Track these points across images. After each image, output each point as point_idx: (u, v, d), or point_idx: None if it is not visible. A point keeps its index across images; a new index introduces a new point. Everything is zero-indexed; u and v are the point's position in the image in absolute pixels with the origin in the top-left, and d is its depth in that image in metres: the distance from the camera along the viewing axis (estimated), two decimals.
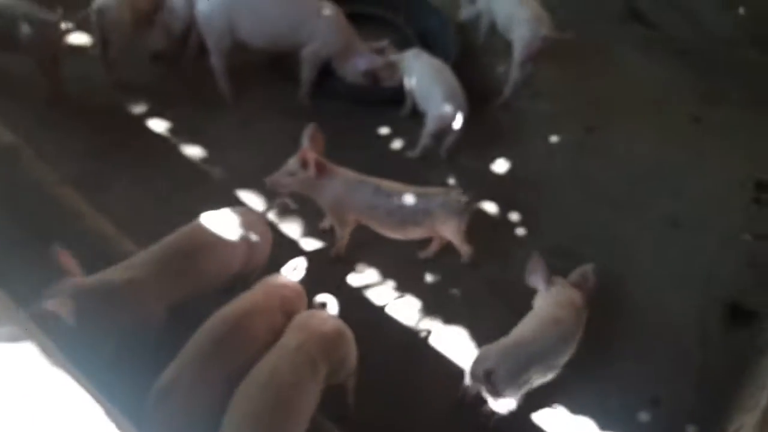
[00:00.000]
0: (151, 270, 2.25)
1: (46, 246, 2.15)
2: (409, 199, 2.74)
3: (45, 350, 1.41)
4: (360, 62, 3.49)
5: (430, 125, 3.34)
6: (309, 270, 2.46)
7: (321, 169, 2.69)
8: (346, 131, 3.44)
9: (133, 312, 2.21)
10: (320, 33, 3.39)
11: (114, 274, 2.23)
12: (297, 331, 2.12)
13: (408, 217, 2.74)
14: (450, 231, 2.82)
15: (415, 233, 2.83)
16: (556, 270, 2.78)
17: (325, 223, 3.06)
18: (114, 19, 3.31)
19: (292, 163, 2.71)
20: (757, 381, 2.49)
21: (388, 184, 2.79)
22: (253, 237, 2.49)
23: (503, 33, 3.87)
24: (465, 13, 4.21)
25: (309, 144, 2.71)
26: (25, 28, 3.10)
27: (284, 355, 2.01)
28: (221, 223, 2.46)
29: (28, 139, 3.09)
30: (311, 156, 2.66)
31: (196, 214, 2.53)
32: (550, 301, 2.57)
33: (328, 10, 3.43)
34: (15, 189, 2.80)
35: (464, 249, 2.94)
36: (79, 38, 3.71)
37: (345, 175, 2.77)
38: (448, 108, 3.25)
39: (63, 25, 3.26)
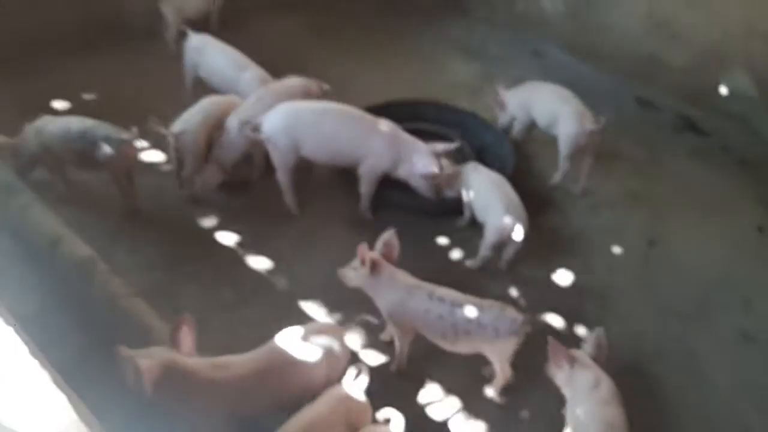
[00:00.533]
0: (240, 376, 2.28)
1: (116, 358, 2.20)
2: (463, 307, 2.71)
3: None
4: (419, 164, 3.53)
5: (489, 237, 3.37)
6: (372, 383, 2.44)
7: (375, 267, 2.75)
8: (406, 241, 3.42)
9: (209, 409, 2.22)
10: (376, 150, 3.51)
11: (205, 364, 2.28)
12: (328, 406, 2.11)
13: (460, 326, 2.68)
14: (497, 349, 2.73)
15: (464, 346, 2.77)
16: (631, 392, 2.68)
17: (386, 335, 3.04)
18: (190, 142, 3.55)
19: (356, 259, 2.80)
20: None
21: (443, 291, 2.78)
22: (334, 354, 2.49)
23: (546, 130, 4.06)
24: (501, 119, 4.37)
25: (382, 248, 2.81)
26: (105, 149, 3.34)
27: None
28: (303, 341, 2.46)
29: (102, 251, 3.23)
30: (368, 253, 2.74)
31: (261, 325, 2.55)
32: (594, 399, 2.44)
33: (384, 128, 3.57)
34: (89, 301, 2.91)
35: (504, 375, 2.81)
36: (153, 155, 3.96)
37: (403, 278, 2.81)
38: (508, 220, 3.28)
39: (137, 144, 3.50)
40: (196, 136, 3.57)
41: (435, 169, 3.48)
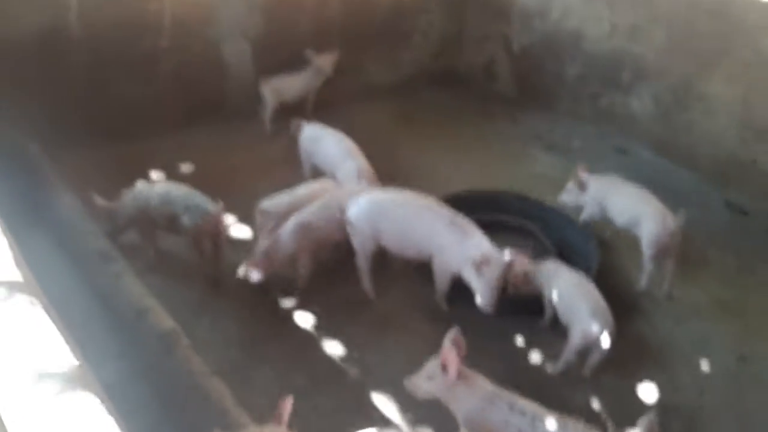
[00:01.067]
0: None
1: None
2: (545, 421, 2.58)
3: None
4: (473, 251, 3.37)
5: (574, 341, 3.25)
6: None
7: (461, 376, 2.65)
8: (483, 339, 3.38)
9: None
10: (448, 246, 3.47)
11: None
12: None
13: None
14: None
15: None
16: None
17: None
18: (271, 221, 3.68)
19: (432, 366, 2.68)
20: None
21: (525, 402, 2.67)
22: None
23: (625, 228, 3.98)
24: (566, 197, 4.27)
25: (449, 347, 2.70)
26: (187, 218, 3.51)
27: None
28: None
29: (185, 323, 3.32)
30: (453, 360, 2.63)
31: (332, 415, 2.51)
32: None
33: (459, 225, 3.52)
34: (169, 375, 2.96)
35: None
36: (241, 231, 4.11)
37: (483, 385, 2.70)
38: (594, 326, 3.16)
39: (223, 217, 3.64)
40: (278, 216, 3.70)
41: (493, 258, 3.31)
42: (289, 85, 5.33)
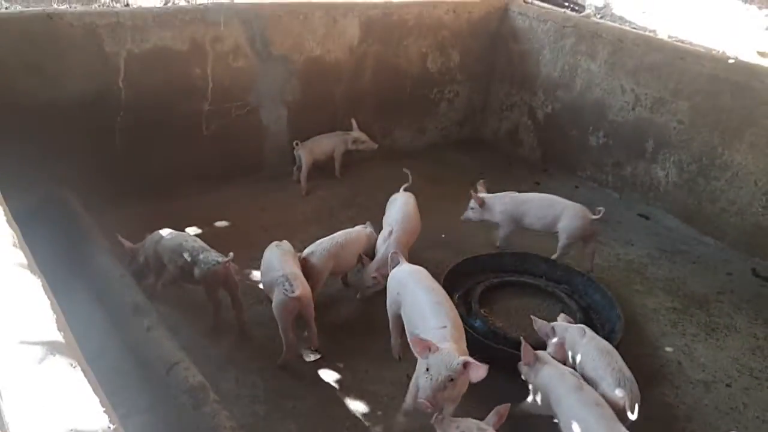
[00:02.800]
0: None
1: None
2: None
3: None
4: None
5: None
6: None
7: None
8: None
9: None
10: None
11: None
12: None
13: None
14: None
15: None
16: None
17: None
18: (318, 266, 3.89)
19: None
20: None
21: None
22: None
23: (544, 230, 4.64)
24: (470, 215, 4.78)
25: (494, 420, 2.73)
26: (197, 268, 3.67)
27: None
28: None
29: (211, 376, 3.38)
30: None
31: None
32: None
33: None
34: (197, 430, 3.01)
35: None
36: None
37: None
38: (620, 395, 3.13)
39: (233, 266, 3.76)
40: (322, 262, 3.91)
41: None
42: (319, 145, 5.60)
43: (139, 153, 4.98)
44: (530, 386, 3.23)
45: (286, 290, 3.46)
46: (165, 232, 3.97)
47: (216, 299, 3.80)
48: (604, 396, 3.15)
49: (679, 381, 3.78)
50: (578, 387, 3.02)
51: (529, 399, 3.23)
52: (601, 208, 4.45)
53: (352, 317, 4.10)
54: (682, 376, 3.82)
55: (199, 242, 3.84)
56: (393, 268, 3.68)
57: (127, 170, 4.95)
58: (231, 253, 3.69)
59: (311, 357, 3.72)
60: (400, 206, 4.44)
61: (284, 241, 3.94)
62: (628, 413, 3.09)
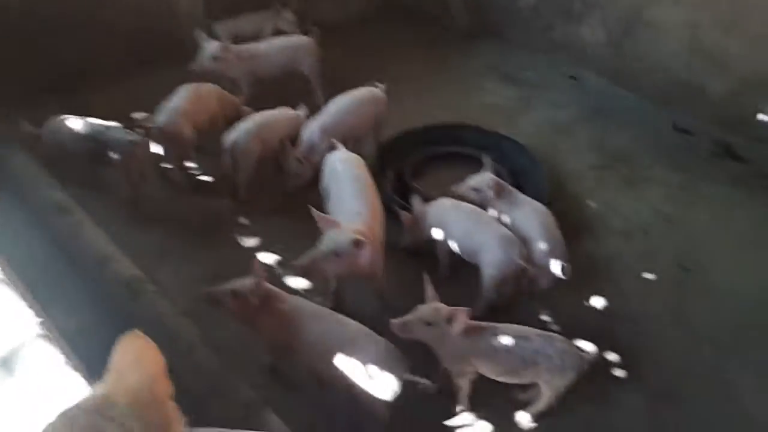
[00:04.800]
0: None
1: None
2: (532, 340, 2.74)
3: None
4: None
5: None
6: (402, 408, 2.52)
7: (466, 329, 2.68)
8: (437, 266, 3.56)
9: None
10: None
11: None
12: None
13: (529, 359, 2.71)
14: (555, 382, 2.77)
15: (527, 377, 2.80)
16: (663, 417, 2.71)
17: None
18: (244, 150, 3.81)
19: (431, 313, 2.65)
20: None
21: (507, 327, 2.80)
22: None
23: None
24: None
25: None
26: (114, 152, 3.63)
27: None
28: None
29: (148, 269, 3.40)
30: (463, 317, 2.65)
31: None
32: None
33: None
34: (135, 320, 3.04)
35: (549, 403, 2.87)
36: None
37: (484, 333, 2.75)
38: (548, 254, 3.28)
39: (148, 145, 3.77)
40: (249, 145, 3.83)
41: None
42: (244, 25, 5.36)
43: (44, 48, 4.66)
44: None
45: None
46: (60, 119, 3.81)
47: (132, 178, 3.73)
48: (536, 256, 3.32)
49: (601, 233, 4.00)
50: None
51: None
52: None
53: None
54: (604, 228, 4.04)
55: (101, 122, 3.73)
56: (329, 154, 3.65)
57: (36, 68, 4.67)
58: (141, 130, 3.63)
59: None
60: (340, 98, 4.28)
61: None
62: (560, 274, 3.26)
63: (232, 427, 2.53)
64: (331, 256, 2.80)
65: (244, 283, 2.72)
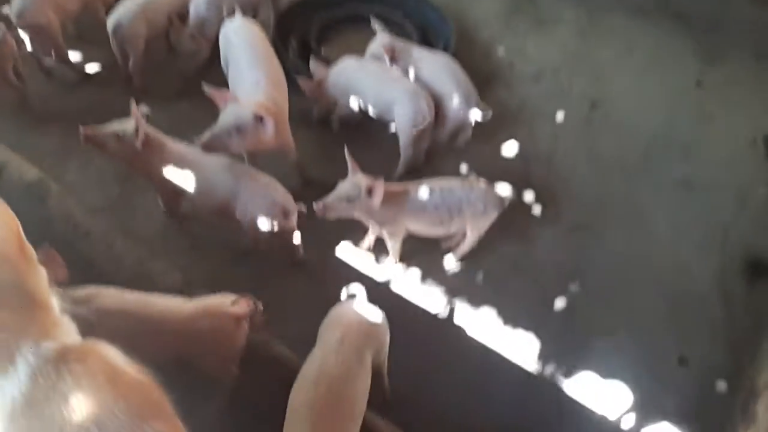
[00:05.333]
0: None
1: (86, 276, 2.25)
2: (455, 189, 2.81)
3: None
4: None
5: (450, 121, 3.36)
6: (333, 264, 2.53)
7: (385, 197, 2.67)
8: (356, 133, 3.52)
9: None
10: None
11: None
12: (336, 326, 2.20)
13: (453, 208, 2.78)
14: (479, 224, 2.89)
15: (455, 226, 2.88)
16: (579, 247, 2.90)
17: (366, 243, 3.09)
18: (129, 33, 3.51)
19: (351, 190, 2.64)
20: None
21: (430, 182, 2.83)
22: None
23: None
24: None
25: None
26: None
27: (329, 350, 2.10)
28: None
29: (51, 171, 3.23)
30: (380, 188, 2.64)
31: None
32: None
33: None
34: (46, 223, 2.92)
35: (471, 245, 3.01)
36: (91, 66, 3.88)
37: (404, 194, 2.78)
38: (462, 106, 3.29)
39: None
40: (134, 27, 3.52)
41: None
42: None
43: None
44: None
45: None
46: None
47: (7, 77, 3.44)
48: (452, 109, 3.31)
49: (511, 79, 4.02)
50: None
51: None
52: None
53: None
54: (514, 73, 4.06)
55: None
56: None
57: None
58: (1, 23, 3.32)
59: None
60: None
61: None
62: (471, 120, 3.28)
63: None
64: (233, 132, 2.71)
65: (126, 126, 2.70)
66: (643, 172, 3.53)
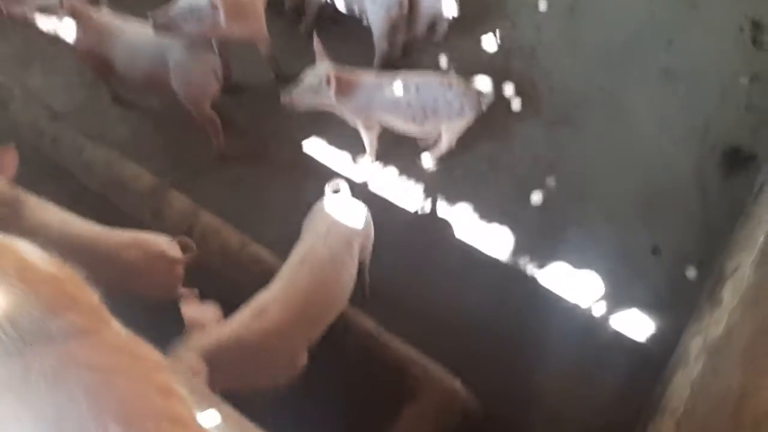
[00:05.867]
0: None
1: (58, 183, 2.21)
2: (430, 87, 2.70)
3: None
4: None
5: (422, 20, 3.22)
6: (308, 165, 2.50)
7: (347, 86, 2.60)
8: (332, 26, 3.38)
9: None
10: None
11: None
12: (322, 220, 2.20)
13: (429, 107, 2.70)
14: (454, 124, 2.81)
15: (430, 126, 2.80)
16: (561, 141, 2.88)
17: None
18: None
19: (313, 79, 2.58)
20: (753, 220, 2.56)
21: (407, 76, 2.73)
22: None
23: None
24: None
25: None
26: None
27: (316, 239, 2.12)
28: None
29: (14, 76, 3.13)
30: (336, 75, 2.55)
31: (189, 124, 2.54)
32: None
33: None
34: (10, 130, 2.85)
35: (449, 145, 2.95)
36: None
37: (365, 80, 2.69)
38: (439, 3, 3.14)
39: None
40: None
41: None
42: None
43: None
44: None
45: None
46: None
47: None
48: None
49: None
50: None
51: None
52: None
53: None
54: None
55: None
56: None
57: None
58: None
59: None
60: None
61: None
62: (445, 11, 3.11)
63: (138, 210, 2.55)
64: (189, 17, 2.54)
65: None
66: (625, 62, 3.44)
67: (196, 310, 1.97)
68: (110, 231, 2.13)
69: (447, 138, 2.91)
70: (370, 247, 2.38)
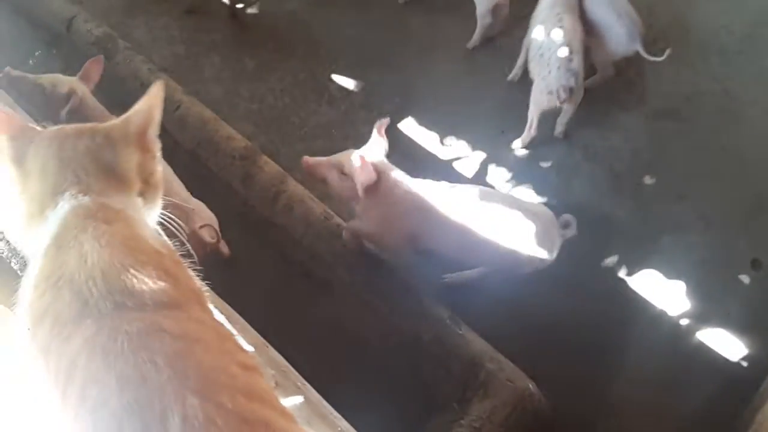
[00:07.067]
0: None
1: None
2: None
3: None
4: None
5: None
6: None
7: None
8: None
9: None
10: None
11: None
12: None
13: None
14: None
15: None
16: (667, 135, 2.73)
17: None
18: None
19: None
20: None
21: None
22: None
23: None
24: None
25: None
26: None
27: None
28: None
29: (119, 28, 3.20)
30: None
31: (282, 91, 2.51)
32: None
33: None
34: (112, 80, 2.92)
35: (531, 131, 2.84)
36: None
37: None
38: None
39: None
40: None
41: None
42: None
43: None
44: None
45: None
46: None
47: None
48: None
49: None
50: None
51: None
52: None
53: None
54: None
55: None
56: None
57: None
58: None
59: None
60: None
61: None
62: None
63: (228, 172, 2.59)
64: None
65: None
66: (744, 55, 3.17)
67: None
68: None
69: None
70: None
